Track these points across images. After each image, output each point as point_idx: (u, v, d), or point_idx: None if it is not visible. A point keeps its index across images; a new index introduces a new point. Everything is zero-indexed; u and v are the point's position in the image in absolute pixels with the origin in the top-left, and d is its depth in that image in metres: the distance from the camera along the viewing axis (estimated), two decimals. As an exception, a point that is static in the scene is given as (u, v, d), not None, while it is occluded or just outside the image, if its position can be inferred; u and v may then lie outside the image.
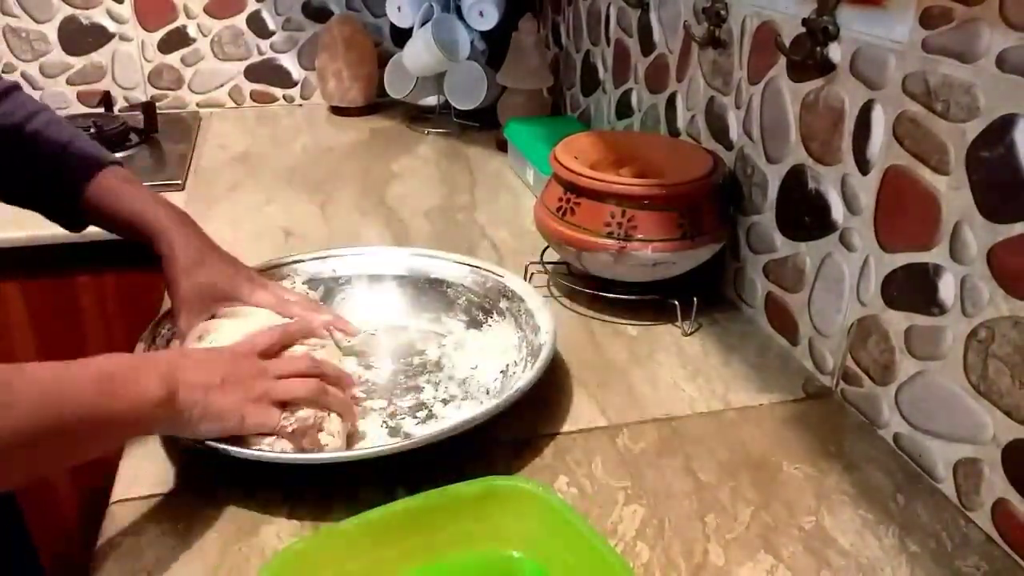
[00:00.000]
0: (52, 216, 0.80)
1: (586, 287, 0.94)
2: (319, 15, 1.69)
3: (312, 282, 0.90)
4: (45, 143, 0.76)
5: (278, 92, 1.75)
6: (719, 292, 0.98)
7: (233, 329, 0.73)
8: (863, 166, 0.73)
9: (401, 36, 1.63)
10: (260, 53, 1.70)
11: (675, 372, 0.83)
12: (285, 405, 0.64)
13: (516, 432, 0.72)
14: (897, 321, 0.70)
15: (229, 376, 0.62)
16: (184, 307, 0.74)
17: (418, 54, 1.49)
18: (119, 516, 0.63)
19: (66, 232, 0.82)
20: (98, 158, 0.78)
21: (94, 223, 0.80)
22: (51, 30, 1.57)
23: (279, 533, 0.61)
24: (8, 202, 0.80)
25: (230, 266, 0.78)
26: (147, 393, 0.55)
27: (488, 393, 0.77)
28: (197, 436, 0.61)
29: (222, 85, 1.71)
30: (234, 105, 1.73)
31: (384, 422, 0.73)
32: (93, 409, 0.52)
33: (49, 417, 0.49)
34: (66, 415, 0.50)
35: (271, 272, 0.88)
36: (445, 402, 0.77)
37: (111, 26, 1.60)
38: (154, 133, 1.48)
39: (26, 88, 1.57)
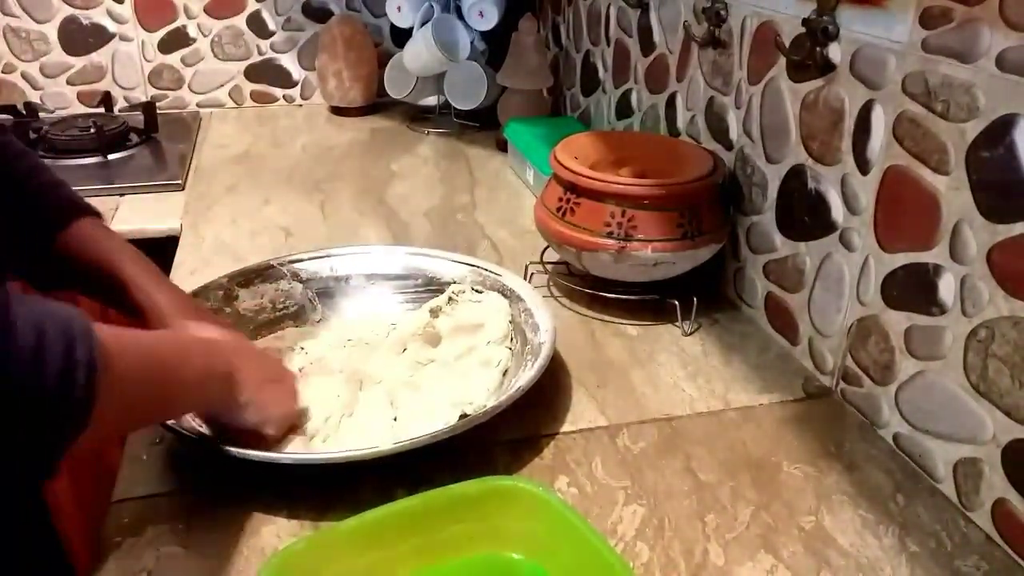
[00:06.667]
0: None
1: (586, 287, 0.94)
2: (319, 15, 1.69)
3: (312, 281, 0.90)
4: (30, 185, 0.72)
5: (278, 92, 1.75)
6: (719, 292, 0.98)
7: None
8: (863, 166, 0.73)
9: (401, 36, 1.63)
10: (260, 53, 1.70)
11: (675, 372, 0.83)
12: None
13: (516, 432, 0.72)
14: (897, 321, 0.70)
15: (275, 378, 0.68)
16: None
17: (418, 54, 1.49)
18: (119, 516, 0.63)
19: None
20: (78, 207, 0.74)
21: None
22: (51, 30, 1.57)
23: (279, 533, 0.61)
24: None
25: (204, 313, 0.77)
26: (214, 368, 0.61)
27: (487, 393, 0.77)
28: (236, 422, 0.65)
29: (222, 85, 1.71)
30: (234, 105, 1.73)
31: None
32: (176, 372, 0.57)
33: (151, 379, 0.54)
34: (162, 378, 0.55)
35: (271, 271, 0.88)
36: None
37: (111, 26, 1.60)
38: (154, 133, 1.48)
39: (26, 88, 1.59)
